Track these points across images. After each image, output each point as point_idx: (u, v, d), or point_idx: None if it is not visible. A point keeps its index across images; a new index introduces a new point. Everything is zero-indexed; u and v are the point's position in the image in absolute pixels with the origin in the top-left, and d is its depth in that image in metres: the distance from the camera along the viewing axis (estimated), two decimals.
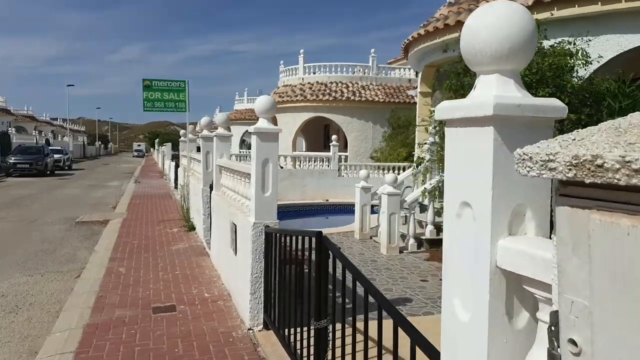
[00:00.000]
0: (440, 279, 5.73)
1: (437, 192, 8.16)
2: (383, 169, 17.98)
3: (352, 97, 21.60)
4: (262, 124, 4.62)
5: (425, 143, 9.30)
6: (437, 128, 7.72)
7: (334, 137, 17.80)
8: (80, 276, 6.77)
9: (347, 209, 16.87)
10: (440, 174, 8.03)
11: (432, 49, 9.53)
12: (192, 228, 10.18)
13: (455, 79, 6.76)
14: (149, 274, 6.75)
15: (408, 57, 11.32)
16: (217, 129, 8.30)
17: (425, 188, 8.31)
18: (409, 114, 19.75)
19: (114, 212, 13.41)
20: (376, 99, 21.69)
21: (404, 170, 18.07)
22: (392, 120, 20.11)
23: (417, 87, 18.14)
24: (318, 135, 28.22)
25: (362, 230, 9.62)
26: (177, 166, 18.32)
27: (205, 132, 8.71)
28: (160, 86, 11.31)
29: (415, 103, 21.91)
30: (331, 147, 17.50)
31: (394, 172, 17.94)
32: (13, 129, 47.91)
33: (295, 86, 23.27)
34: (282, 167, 17.89)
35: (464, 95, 5.43)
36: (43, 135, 51.64)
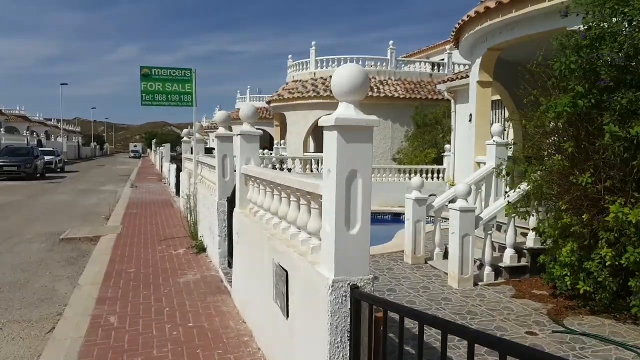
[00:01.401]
0: (554, 331, 3.44)
1: (524, 206, 6.23)
2: (409, 173, 16.09)
3: (370, 93, 19.64)
4: (347, 111, 2.70)
5: (512, 143, 7.38)
6: (523, 123, 5.82)
7: None
8: (54, 331, 4.84)
9: (372, 218, 15.04)
10: (527, 181, 6.12)
11: (503, 25, 7.64)
12: (202, 249, 8.25)
13: (573, 56, 4.84)
14: (152, 329, 4.81)
15: (460, 41, 9.43)
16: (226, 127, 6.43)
17: (508, 201, 6.40)
18: (436, 110, 17.90)
19: (107, 225, 11.46)
20: (395, 94, 19.78)
21: (432, 174, 16.18)
22: (417, 118, 18.21)
23: (444, 80, 16.31)
24: None
25: (415, 253, 7.70)
26: (178, 170, 16.38)
27: (221, 131, 6.79)
28: (162, 75, 9.35)
29: (442, 99, 20.06)
30: None
31: (421, 175, 16.06)
32: (2, 129, 45.77)
33: (307, 81, 21.36)
34: (290, 170, 16.02)
35: (589, 81, 3.35)
36: (35, 135, 49.56)
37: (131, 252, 8.28)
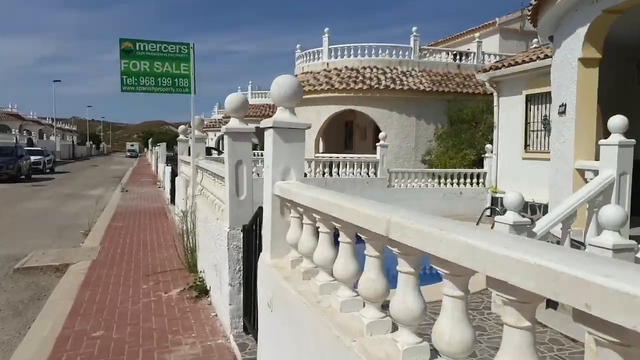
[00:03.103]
0: None
1: None
2: (445, 178, 13.73)
3: (392, 85, 17.32)
4: None
5: None
6: None
7: (381, 134, 13.53)
8: None
9: None
10: None
11: None
12: (203, 290, 5.88)
13: None
14: None
15: (544, 10, 7.09)
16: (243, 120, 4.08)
17: None
18: (473, 105, 15.55)
19: (82, 245, 9.09)
20: (421, 87, 17.43)
21: (471, 179, 13.82)
22: (451, 113, 15.84)
23: (485, 69, 13.95)
24: (339, 134, 23.99)
25: None
26: (173, 173, 14.00)
27: (235, 123, 4.42)
28: (150, 51, 6.97)
29: (474, 93, 17.69)
30: (378, 148, 13.24)
31: (458, 180, 13.71)
32: None
33: (319, 73, 18.99)
34: (306, 175, 13.64)
35: None
36: (25, 134, 47.14)
37: (104, 295, 5.92)
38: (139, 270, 7.10)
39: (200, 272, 6.28)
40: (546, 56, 11.55)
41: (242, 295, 4.42)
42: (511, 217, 5.23)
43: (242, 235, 4.42)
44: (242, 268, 4.41)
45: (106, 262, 7.61)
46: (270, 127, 3.12)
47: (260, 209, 3.89)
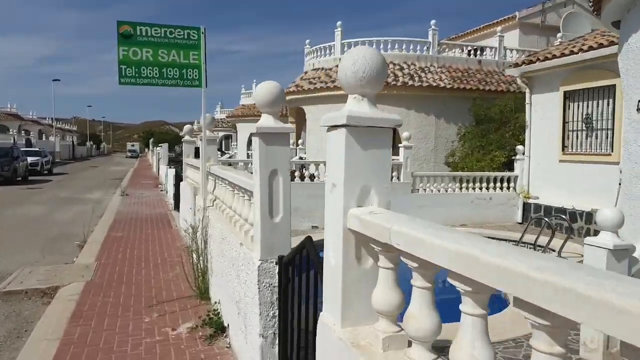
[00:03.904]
0: None
1: None
2: (472, 182, 12.62)
3: (410, 82, 16.19)
4: None
5: None
6: None
7: (405, 134, 12.39)
8: None
9: None
10: None
11: None
12: (219, 327, 4.78)
13: None
14: None
15: None
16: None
17: None
18: (502, 103, 14.41)
19: (76, 261, 8.00)
20: (441, 84, 16.30)
21: (501, 183, 12.70)
22: (478, 112, 14.70)
23: (516, 63, 12.82)
24: None
25: (609, 348, 4.25)
26: (177, 177, 12.90)
27: (268, 121, 3.31)
28: (153, 36, 5.83)
29: (497, 90, 16.57)
30: (402, 149, 12.12)
31: (487, 185, 12.60)
32: None
33: (331, 69, 17.85)
34: (312, 178, 12.54)
35: None
36: (23, 134, 46.12)
37: (98, 333, 4.82)
38: (140, 296, 5.99)
39: (215, 302, 5.19)
40: (590, 47, 10.47)
41: (277, 349, 3.32)
42: (610, 239, 4.13)
43: (277, 270, 3.32)
44: (276, 315, 3.32)
45: (102, 284, 6.52)
46: (341, 126, 2.04)
47: (309, 239, 2.81)
